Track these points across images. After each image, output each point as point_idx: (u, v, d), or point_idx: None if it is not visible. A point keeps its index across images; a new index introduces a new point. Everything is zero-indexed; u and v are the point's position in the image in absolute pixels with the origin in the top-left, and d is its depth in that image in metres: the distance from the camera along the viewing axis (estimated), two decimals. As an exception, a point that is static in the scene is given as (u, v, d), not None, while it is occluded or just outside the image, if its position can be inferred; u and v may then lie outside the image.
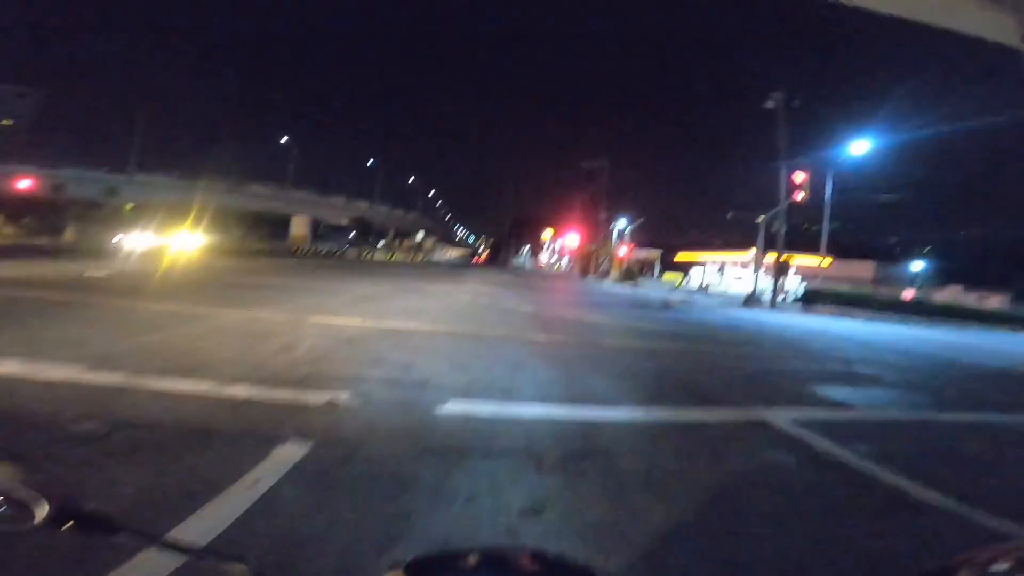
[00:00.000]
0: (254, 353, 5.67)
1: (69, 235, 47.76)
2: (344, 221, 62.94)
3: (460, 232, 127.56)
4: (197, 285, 13.16)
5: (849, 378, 7.94)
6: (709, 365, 7.88)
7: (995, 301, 42.49)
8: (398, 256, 55.47)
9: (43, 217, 48.79)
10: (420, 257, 58.86)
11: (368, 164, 70.20)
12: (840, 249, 34.76)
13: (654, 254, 67.88)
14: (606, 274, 48.43)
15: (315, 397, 4.33)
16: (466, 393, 4.87)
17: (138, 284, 12.43)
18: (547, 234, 76.92)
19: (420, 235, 79.09)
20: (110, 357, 5.02)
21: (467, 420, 4.19)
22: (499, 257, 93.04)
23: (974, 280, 49.24)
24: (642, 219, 50.47)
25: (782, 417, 5.09)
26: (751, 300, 26.77)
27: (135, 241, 27.59)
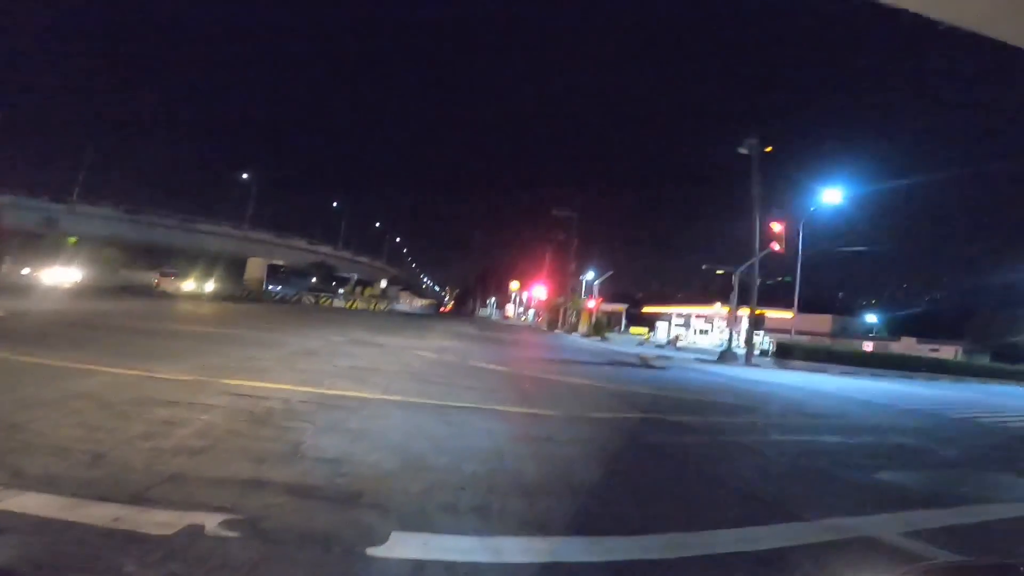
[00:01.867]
0: (104, 435, 3.84)
1: (3, 268, 43.90)
2: (305, 265, 60.39)
3: (426, 281, 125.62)
4: (106, 330, 11.04)
5: (897, 454, 6.99)
6: (732, 447, 6.35)
7: (947, 352, 43.86)
8: (359, 304, 52.95)
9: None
10: (383, 306, 56.47)
11: (333, 207, 68.63)
12: (797, 302, 34.97)
13: (620, 308, 67.57)
14: (574, 327, 47.23)
15: (165, 519, 2.59)
16: (421, 514, 3.16)
17: (31, 327, 10.29)
18: (514, 285, 75.84)
19: (383, 283, 76.76)
20: None
21: (420, 571, 2.51)
22: (465, 308, 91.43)
23: (924, 332, 50.91)
24: (610, 272, 49.95)
25: (883, 528, 3.72)
26: (726, 356, 25.76)
27: (53, 276, 24.78)
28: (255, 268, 53.23)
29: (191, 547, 2.39)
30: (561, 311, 51.04)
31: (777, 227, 22.75)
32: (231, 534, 2.56)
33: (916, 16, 3.54)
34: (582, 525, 3.29)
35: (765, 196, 24.64)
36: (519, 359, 16.32)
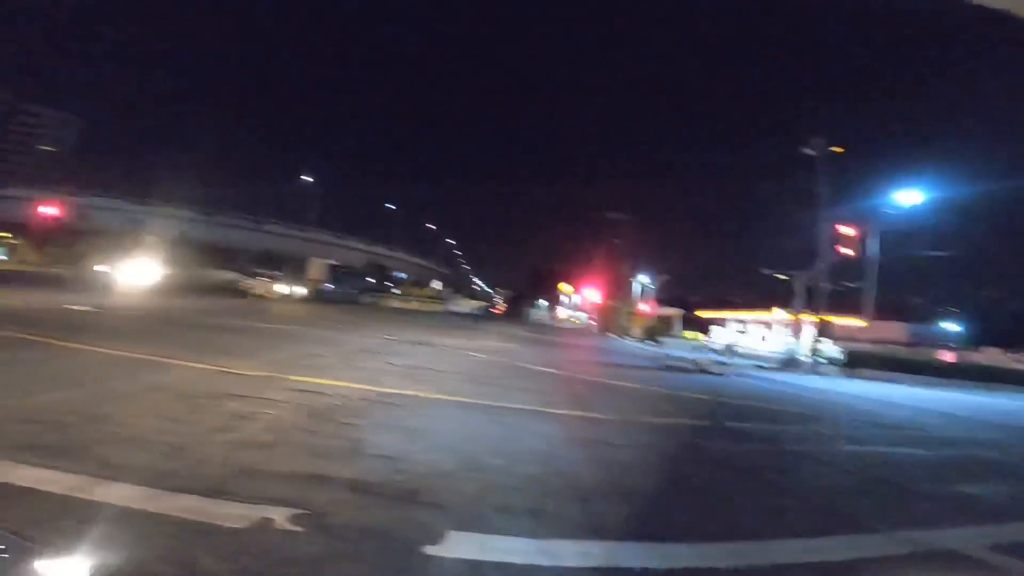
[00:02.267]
0: (184, 427, 4.10)
1: (92, 265, 47.75)
2: (361, 265, 62.39)
3: (478, 283, 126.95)
4: (181, 325, 11.80)
5: (979, 468, 6.51)
6: (798, 456, 6.05)
7: None
8: (413, 304, 54.20)
9: (67, 245, 49.11)
10: (436, 306, 57.57)
11: (389, 208, 70.56)
12: (872, 309, 32.90)
13: (676, 312, 65.85)
14: (627, 331, 46.45)
15: (238, 512, 2.72)
16: (476, 515, 3.19)
17: (115, 321, 11.13)
18: (567, 288, 75.38)
19: (437, 284, 78.19)
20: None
21: (476, 571, 2.53)
22: (517, 309, 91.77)
23: (1008, 341, 46.96)
24: (666, 276, 48.81)
25: (965, 541, 3.48)
26: (789, 363, 24.62)
27: (136, 273, 26.59)
28: (316, 267, 55.40)
29: (261, 540, 2.51)
30: (614, 314, 50.31)
31: (848, 230, 21.51)
32: (298, 528, 2.66)
33: (992, 11, 3.30)
34: (639, 531, 3.23)
35: (833, 198, 23.39)
36: (571, 362, 16.21)
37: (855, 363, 26.33)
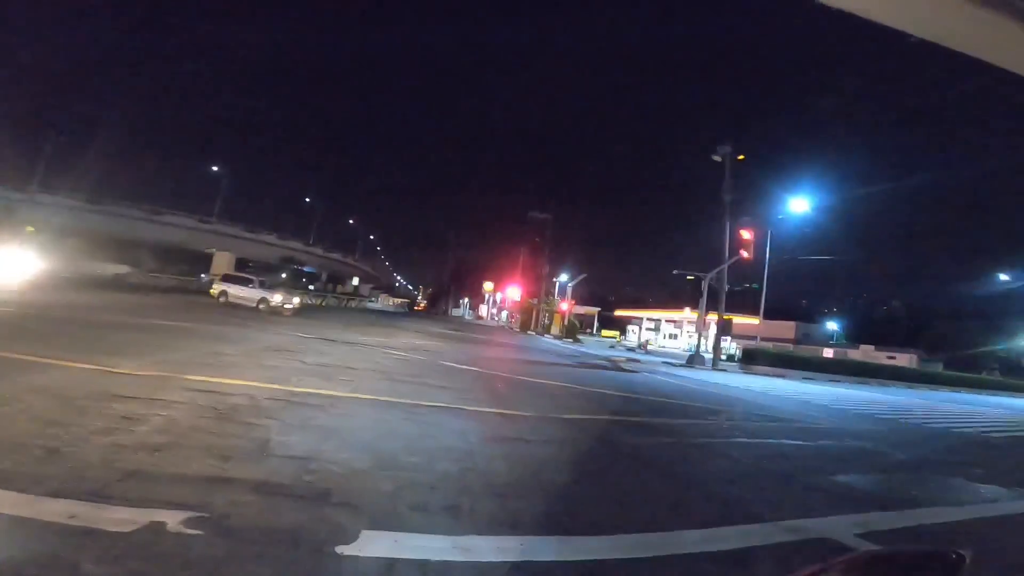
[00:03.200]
0: (61, 431, 3.69)
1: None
2: (274, 261, 59.10)
3: (399, 280, 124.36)
4: (62, 323, 10.60)
5: (853, 458, 7.17)
6: (699, 449, 6.45)
7: (903, 359, 45.97)
8: (331, 301, 52.17)
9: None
10: (355, 303, 55.74)
11: (307, 203, 67.38)
12: (764, 309, 36.06)
13: (592, 311, 68.10)
14: (547, 329, 47.44)
15: (124, 516, 2.50)
16: (391, 514, 3.13)
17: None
18: (488, 286, 75.72)
19: (356, 280, 75.69)
20: None
21: (390, 569, 2.48)
22: (439, 307, 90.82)
23: (882, 340, 53.09)
24: (584, 275, 50.32)
25: (839, 529, 3.82)
26: (694, 360, 26.24)
27: (9, 266, 23.53)
28: (222, 263, 51.82)
29: (152, 545, 2.32)
30: (534, 313, 51.18)
31: (746, 235, 23.28)
32: (194, 532, 2.49)
33: (884, 28, 3.67)
34: (553, 525, 3.31)
35: (736, 204, 25.20)
36: (491, 359, 16.29)
37: (749, 359, 28.64)
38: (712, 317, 28.12)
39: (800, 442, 7.74)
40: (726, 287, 26.32)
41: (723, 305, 26.13)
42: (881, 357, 46.47)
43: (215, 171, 52.40)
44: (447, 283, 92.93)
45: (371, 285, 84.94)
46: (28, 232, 42.56)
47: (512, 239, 62.60)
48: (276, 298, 22.29)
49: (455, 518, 3.19)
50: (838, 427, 9.89)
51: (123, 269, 37.66)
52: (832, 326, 63.16)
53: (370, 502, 3.22)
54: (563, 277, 50.61)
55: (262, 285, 23.30)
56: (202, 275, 44.09)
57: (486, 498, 3.60)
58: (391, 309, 59.31)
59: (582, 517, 3.54)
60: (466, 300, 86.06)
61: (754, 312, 34.71)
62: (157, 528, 2.45)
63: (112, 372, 5.98)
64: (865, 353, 48.16)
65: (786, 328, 54.16)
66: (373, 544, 2.67)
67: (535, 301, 51.84)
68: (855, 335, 59.85)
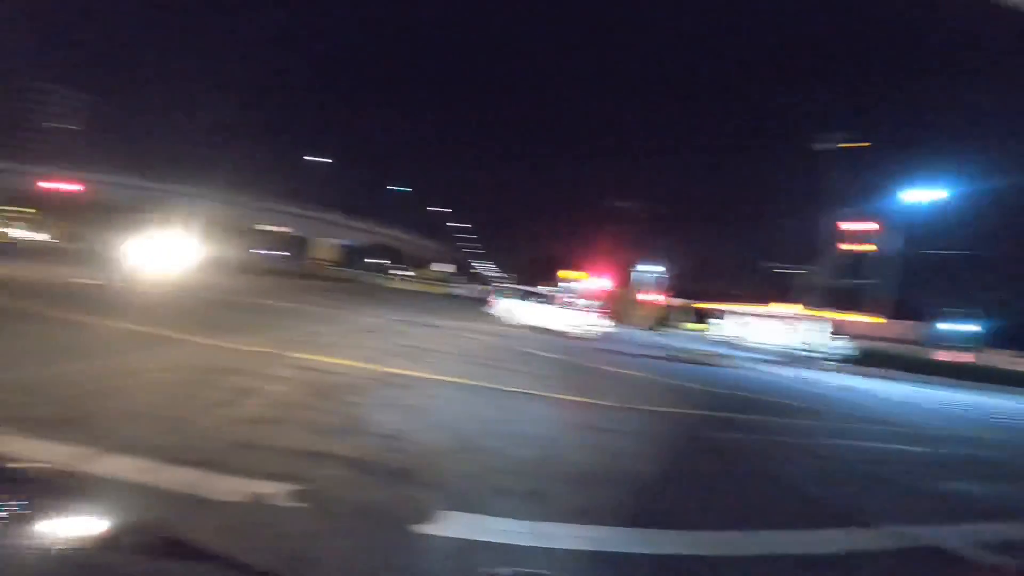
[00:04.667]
0: (186, 401, 4.13)
1: (110, 241, 48.08)
2: (368, 246, 62.49)
3: (486, 266, 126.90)
4: (190, 302, 11.87)
5: (970, 466, 6.58)
6: (794, 449, 6.04)
7: None
8: (419, 285, 54.34)
9: (80, 220, 49.55)
10: (442, 288, 57.70)
11: (397, 191, 70.36)
12: (884, 306, 32.67)
13: (681, 303, 65.62)
14: (633, 320, 46.43)
15: (230, 487, 2.74)
16: (471, 495, 3.21)
17: (122, 296, 11.19)
18: (572, 274, 75.30)
19: (444, 266, 78.26)
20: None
21: (468, 550, 2.55)
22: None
23: (1020, 344, 46.40)
24: (675, 266, 48.61)
25: (954, 538, 3.50)
26: (794, 357, 24.60)
27: (145, 249, 26.71)
28: (323, 247, 55.56)
29: (253, 514, 2.53)
30: (619, 303, 50.25)
31: (860, 227, 21.31)
32: (292, 504, 2.68)
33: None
34: (632, 517, 3.24)
35: (846, 195, 23.17)
36: (573, 347, 16.22)
37: (864, 360, 26.27)
38: (816, 314, 26.15)
39: (911, 447, 7.06)
40: (836, 282, 24.34)
41: (826, 301, 24.21)
42: (1018, 363, 40.84)
43: (321, 163, 56.13)
44: (531, 270, 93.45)
45: (456, 270, 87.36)
46: (168, 220, 48.18)
47: (599, 229, 61.64)
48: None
49: (533, 504, 3.21)
50: (957, 434, 8.93)
51: (243, 254, 41.52)
52: (962, 328, 56.19)
53: (450, 483, 3.32)
54: (652, 268, 49.20)
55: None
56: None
57: (565, 486, 3.60)
58: (475, 295, 60.74)
59: (662, 511, 3.45)
60: (549, 288, 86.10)
61: (870, 310, 31.78)
62: (258, 499, 2.67)
63: (230, 348, 6.60)
64: (999, 358, 42.55)
65: (908, 328, 49.07)
66: (451, 525, 2.74)
67: (621, 291, 50.88)
68: (989, 339, 52.89)
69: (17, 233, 39.03)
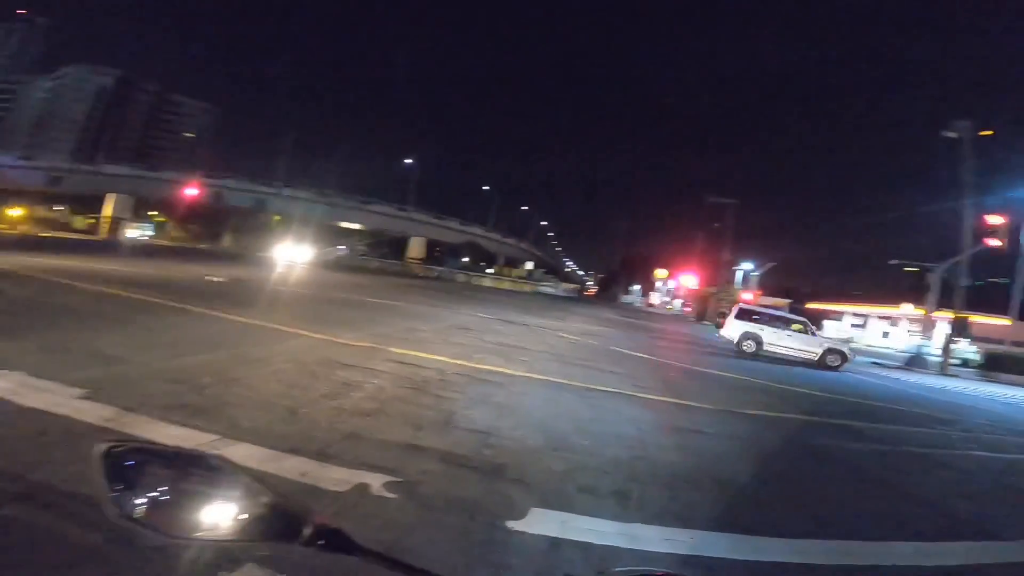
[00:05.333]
0: (299, 392, 4.52)
1: (226, 242, 53.62)
2: (458, 244, 64.33)
3: (570, 265, 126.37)
4: (298, 298, 12.91)
5: None
6: (916, 458, 5.49)
7: None
8: (507, 284, 55.16)
9: (205, 224, 55.43)
10: (528, 287, 58.19)
11: (485, 190, 71.79)
12: (1018, 308, 28.48)
13: (782, 302, 61.33)
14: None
15: (339, 476, 2.98)
16: (561, 493, 3.26)
17: (244, 292, 12.39)
18: (661, 273, 72.89)
19: (530, 265, 78.79)
20: (125, 382, 4.10)
21: (556, 549, 2.59)
22: (608, 293, 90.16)
23: None
24: (772, 263, 45.57)
25: None
26: (915, 361, 22.20)
27: (286, 253, 29.66)
28: (416, 246, 57.93)
29: (359, 504, 2.72)
30: (712, 302, 47.96)
31: (996, 220, 18.80)
32: (392, 495, 2.85)
33: None
34: (728, 522, 3.14)
35: (980, 185, 20.54)
36: (663, 347, 15.75)
37: (993, 365, 23.22)
38: (943, 315, 23.44)
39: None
40: (964, 281, 21.65)
41: (960, 301, 21.60)
42: None
43: (408, 164, 58.54)
44: (618, 269, 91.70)
45: (544, 269, 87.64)
46: (275, 221, 52.66)
47: (690, 224, 59.24)
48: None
49: (623, 504, 3.19)
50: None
51: (342, 251, 44.31)
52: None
53: (541, 480, 3.38)
54: (747, 265, 46.47)
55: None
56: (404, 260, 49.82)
57: (656, 487, 3.55)
58: (561, 293, 60.58)
59: (762, 518, 3.30)
60: (637, 287, 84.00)
61: (1002, 311, 27.99)
62: (363, 489, 2.87)
63: (336, 342, 7.12)
64: None
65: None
66: (541, 522, 2.80)
67: (713, 290, 48.54)
68: None
69: (144, 234, 44.10)
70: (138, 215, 49.45)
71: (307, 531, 0.69)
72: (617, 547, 2.67)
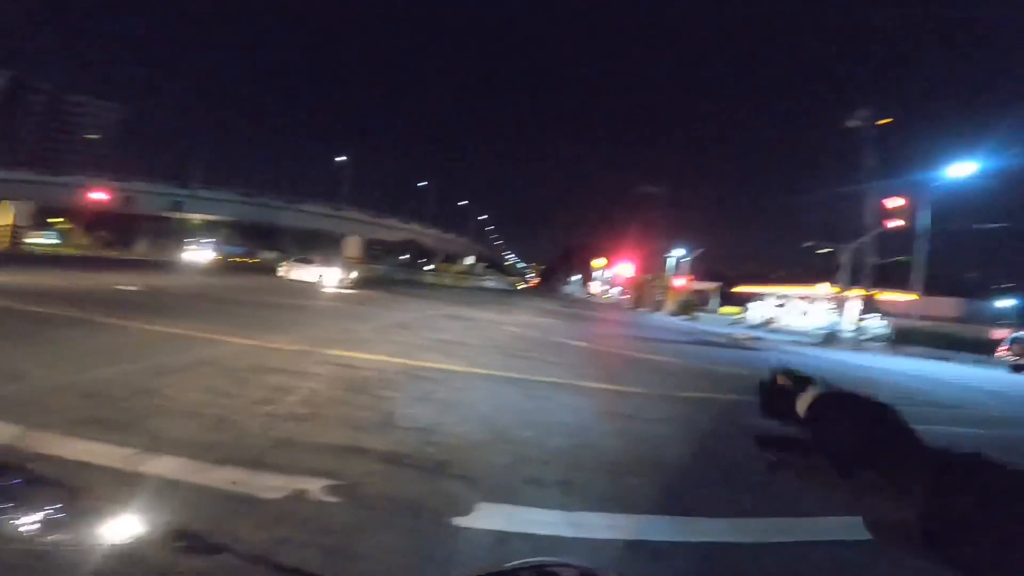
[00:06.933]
0: (226, 401, 4.26)
1: (140, 248, 49.92)
2: (396, 242, 63.16)
3: (510, 258, 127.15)
4: (222, 304, 12.22)
5: None
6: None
7: None
8: (448, 280, 54.75)
9: (117, 230, 51.39)
10: (469, 282, 58.05)
11: (423, 186, 70.79)
12: (922, 284, 31.37)
13: (711, 286, 64.45)
14: (661, 306, 45.85)
15: (275, 483, 2.83)
16: (505, 486, 3.24)
17: (160, 300, 11.60)
18: (599, 262, 74.70)
19: (470, 259, 78.59)
20: (31, 398, 3.73)
21: (503, 542, 2.57)
22: (549, 284, 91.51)
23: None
24: (701, 249, 47.69)
25: None
26: (830, 338, 23.93)
27: (190, 255, 27.84)
28: (352, 245, 56.39)
29: (297, 511, 2.60)
30: (647, 289, 49.68)
31: (895, 202, 20.52)
32: (332, 499, 2.74)
33: None
34: (669, 505, 3.23)
35: (880, 170, 22.34)
36: (603, 336, 16.14)
37: (902, 339, 25.39)
38: (853, 293, 25.36)
39: (973, 430, 6.80)
40: (870, 260, 23.54)
41: (868, 279, 23.46)
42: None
43: (341, 161, 56.74)
44: (558, 260, 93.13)
45: (485, 263, 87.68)
46: (194, 224, 49.57)
47: (625, 214, 61.02)
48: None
49: (568, 494, 3.22)
50: (1016, 415, 8.52)
51: (271, 255, 42.43)
52: (1005, 303, 53.55)
53: (485, 475, 3.36)
54: (678, 252, 48.40)
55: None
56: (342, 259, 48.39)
57: (599, 475, 3.60)
58: (503, 287, 60.94)
59: (701, 498, 3.41)
60: (577, 277, 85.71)
61: (905, 288, 30.62)
62: (301, 495, 2.74)
63: (266, 347, 6.78)
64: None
65: (948, 305, 46.99)
66: (487, 516, 2.77)
67: (648, 277, 50.26)
68: (1032, 314, 50.12)
69: (48, 242, 40.48)
70: (41, 223, 45.13)
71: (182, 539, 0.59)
72: (563, 536, 2.68)
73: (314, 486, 2.84)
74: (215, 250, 29.48)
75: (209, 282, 17.98)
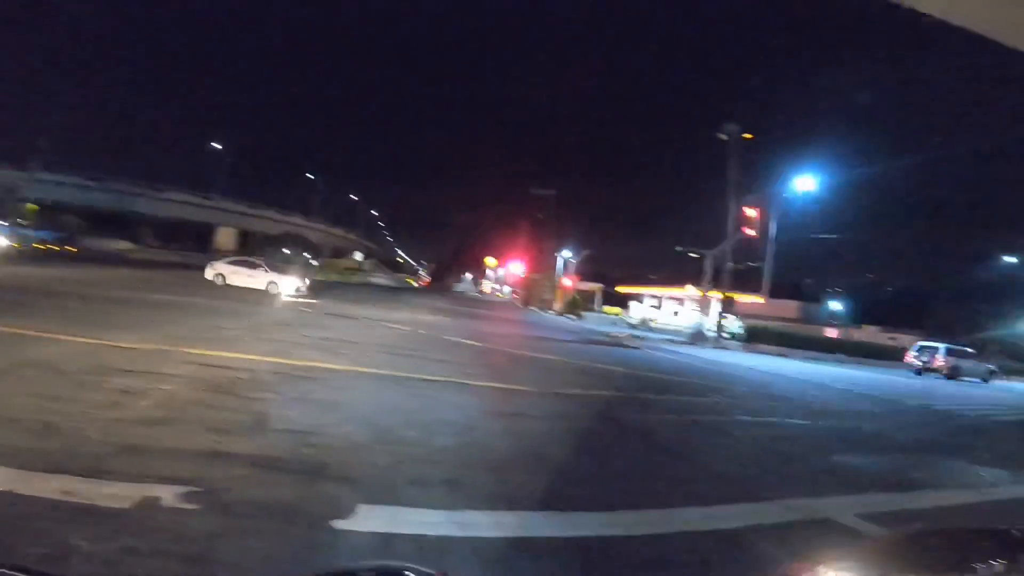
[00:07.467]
0: (60, 406, 3.68)
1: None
2: (276, 235, 59.01)
3: (402, 255, 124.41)
4: (64, 299, 10.59)
5: (854, 439, 7.10)
6: (699, 427, 6.45)
7: (906, 341, 45.64)
8: (333, 276, 52.21)
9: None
10: (357, 278, 55.84)
11: (309, 178, 66.93)
12: (769, 288, 36.00)
13: (596, 287, 68.07)
14: (549, 304, 47.47)
15: (118, 492, 2.49)
16: (388, 487, 3.13)
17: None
18: (491, 261, 75.62)
19: (359, 255, 75.66)
20: None
21: (388, 544, 2.48)
22: (442, 282, 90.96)
23: (886, 320, 52.68)
24: (587, 251, 50.10)
25: (839, 510, 3.79)
26: (696, 337, 26.26)
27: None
28: (226, 237, 51.82)
29: (147, 520, 2.31)
30: (537, 288, 51.16)
31: (751, 212, 23.01)
32: (189, 506, 2.48)
33: (894, 7, 3.54)
34: (552, 501, 3.30)
35: (742, 182, 24.93)
36: (492, 334, 16.31)
37: (753, 338, 28.63)
38: (715, 295, 28.05)
39: (802, 421, 7.75)
40: (729, 265, 26.19)
41: (726, 283, 26.06)
42: (885, 338, 46.24)
43: (217, 147, 51.87)
44: (450, 258, 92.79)
45: (375, 259, 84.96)
46: (30, 211, 42.45)
47: (516, 215, 62.31)
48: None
49: (453, 493, 3.18)
50: (841, 408, 9.91)
51: (124, 246, 37.67)
52: (836, 306, 62.67)
53: (368, 476, 3.22)
54: (566, 253, 50.42)
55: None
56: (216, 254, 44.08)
57: (484, 473, 3.60)
58: (394, 284, 59.43)
59: (582, 493, 3.53)
60: (470, 275, 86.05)
61: (759, 291, 34.58)
62: (152, 503, 2.44)
63: (112, 346, 5.97)
64: (869, 334, 47.84)
65: (789, 307, 53.84)
66: (370, 519, 2.66)
67: (538, 276, 51.79)
68: (859, 315, 59.38)
69: None
70: None
71: None
72: (449, 536, 2.64)
73: (167, 493, 2.54)
74: (8, 236, 24.21)
75: (52, 274, 15.52)
